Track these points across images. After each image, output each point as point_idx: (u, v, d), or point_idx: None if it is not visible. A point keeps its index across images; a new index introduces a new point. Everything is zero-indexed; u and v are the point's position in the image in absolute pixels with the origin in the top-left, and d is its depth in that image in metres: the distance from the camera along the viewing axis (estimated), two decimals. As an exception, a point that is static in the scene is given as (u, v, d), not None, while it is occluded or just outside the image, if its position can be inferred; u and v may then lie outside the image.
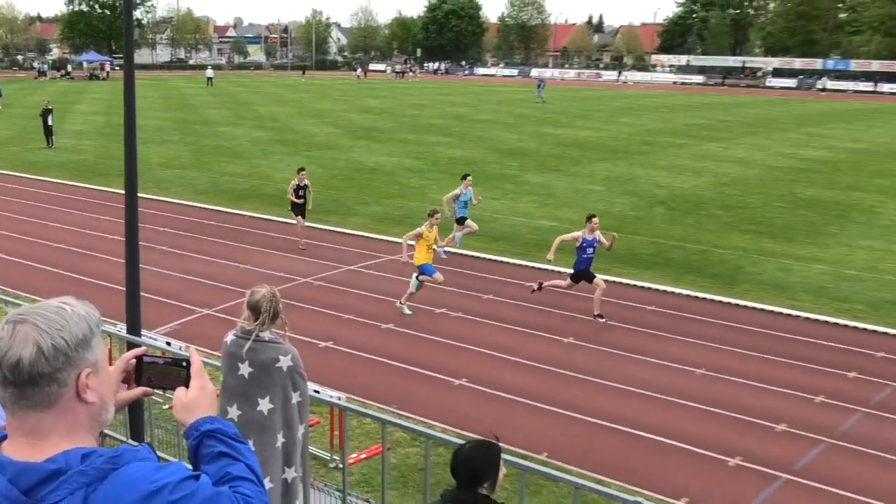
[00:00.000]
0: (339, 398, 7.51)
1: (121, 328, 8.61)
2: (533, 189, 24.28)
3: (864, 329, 13.14)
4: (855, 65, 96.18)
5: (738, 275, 15.93)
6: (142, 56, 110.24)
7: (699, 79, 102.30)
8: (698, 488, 8.22)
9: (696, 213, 21.53)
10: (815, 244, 18.49)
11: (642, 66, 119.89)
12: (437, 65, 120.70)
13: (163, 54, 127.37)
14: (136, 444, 2.62)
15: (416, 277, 13.14)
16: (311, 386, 6.74)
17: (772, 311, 13.83)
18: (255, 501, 1.92)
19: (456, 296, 13.50)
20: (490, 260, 16.46)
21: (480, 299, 13.99)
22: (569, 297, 14.14)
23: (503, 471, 4.01)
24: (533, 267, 15.87)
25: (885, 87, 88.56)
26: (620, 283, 15.05)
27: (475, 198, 17.07)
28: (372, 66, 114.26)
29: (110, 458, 1.79)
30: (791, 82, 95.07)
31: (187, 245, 17.06)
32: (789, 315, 13.70)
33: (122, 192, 8.00)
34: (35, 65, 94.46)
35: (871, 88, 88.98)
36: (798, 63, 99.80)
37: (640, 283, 14.94)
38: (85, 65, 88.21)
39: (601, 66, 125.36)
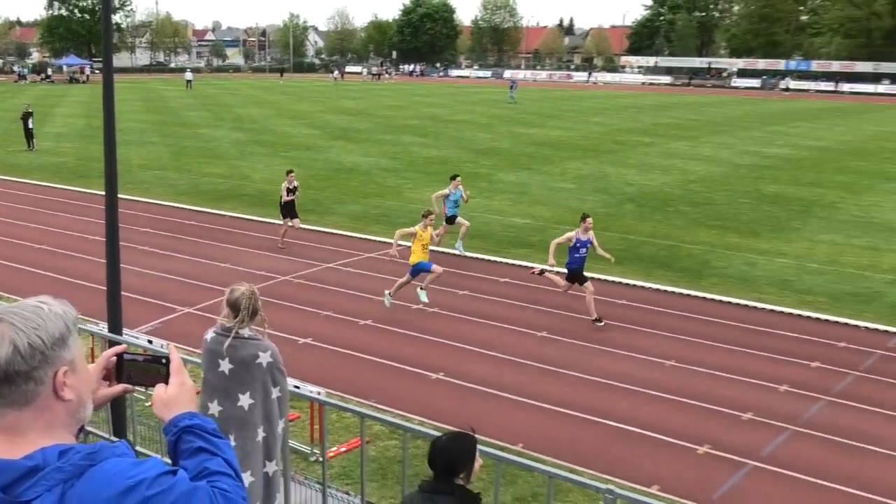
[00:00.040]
0: (319, 393, 7.49)
1: (103, 327, 8.54)
2: (506, 187, 24.32)
3: (826, 320, 13.28)
4: (816, 65, 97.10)
5: (705, 269, 16.05)
6: (121, 59, 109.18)
7: (667, 79, 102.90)
8: (669, 476, 8.27)
9: (664, 209, 21.66)
10: (779, 239, 18.66)
11: (612, 67, 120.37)
12: (412, 67, 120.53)
13: (142, 58, 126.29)
14: (116, 440, 2.60)
15: (409, 274, 13.06)
16: (292, 381, 6.71)
17: (738, 304, 13.95)
18: (233, 496, 1.90)
19: (433, 292, 13.49)
20: (465, 257, 16.46)
21: (457, 295, 14.00)
22: (541, 292, 14.18)
23: (479, 461, 4.02)
24: (507, 263, 15.90)
25: (846, 87, 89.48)
26: (592, 278, 15.09)
27: (465, 193, 16.93)
28: (348, 69, 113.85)
29: (87, 454, 1.77)
30: (755, 82, 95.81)
31: (168, 245, 16.94)
32: (755, 307, 13.82)
33: (103, 193, 7.93)
34: (15, 69, 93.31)
35: (832, 88, 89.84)
36: (762, 64, 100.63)
37: (610, 278, 15.00)
38: (65, 68, 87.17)
39: (572, 67, 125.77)
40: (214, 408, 5.22)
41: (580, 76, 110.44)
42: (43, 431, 1.80)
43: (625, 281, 15.01)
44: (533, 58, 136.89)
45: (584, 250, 12.73)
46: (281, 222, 17.05)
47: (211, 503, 1.83)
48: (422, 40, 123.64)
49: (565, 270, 13.00)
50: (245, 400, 5.19)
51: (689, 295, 14.36)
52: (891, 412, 9.91)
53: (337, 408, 7.08)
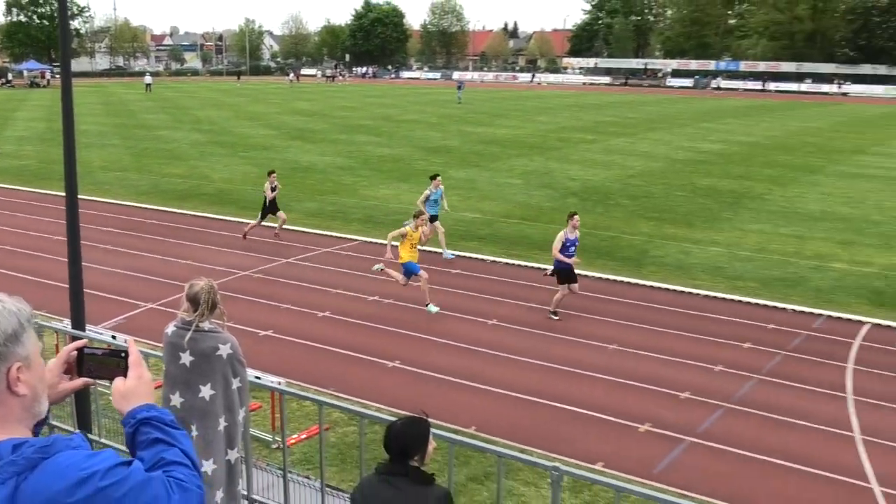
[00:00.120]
0: (279, 383, 7.43)
1: (67, 324, 8.35)
2: (457, 183, 24.31)
3: (756, 304, 13.52)
4: (744, 66, 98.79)
5: (644, 258, 16.24)
6: (81, 64, 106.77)
7: (606, 80, 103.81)
8: (612, 453, 8.36)
9: (605, 202, 21.86)
10: (712, 229, 18.96)
11: (554, 68, 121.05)
12: (364, 69, 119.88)
13: (102, 62, 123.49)
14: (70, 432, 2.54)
15: (403, 275, 12.86)
16: (253, 372, 6.64)
17: (675, 290, 14.14)
18: (188, 485, 1.86)
19: (388, 284, 13.45)
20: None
21: (410, 286, 13.96)
22: (489, 282, 14.23)
23: (433, 444, 4.02)
24: (458, 256, 15.91)
25: (772, 86, 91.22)
26: (539, 268, 15.21)
27: (444, 203, 16.35)
28: (304, 72, 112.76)
29: (41, 447, 1.72)
30: (688, 82, 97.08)
31: (130, 243, 16.63)
32: (690, 293, 14.03)
33: (64, 194, 7.74)
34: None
35: (759, 87, 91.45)
36: (694, 64, 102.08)
37: (556, 268, 15.07)
38: (25, 73, 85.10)
39: (517, 68, 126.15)
40: (176, 399, 5.14)
41: (524, 77, 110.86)
42: None
43: (569, 270, 15.10)
44: (480, 60, 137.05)
45: (574, 248, 12.45)
46: (253, 221, 17.07)
47: (166, 492, 1.79)
48: (373, 44, 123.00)
49: (550, 268, 12.81)
50: (206, 391, 5.12)
51: (629, 282, 14.52)
52: (816, 388, 10.14)
53: (296, 397, 7.02)
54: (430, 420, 4.08)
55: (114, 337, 8.79)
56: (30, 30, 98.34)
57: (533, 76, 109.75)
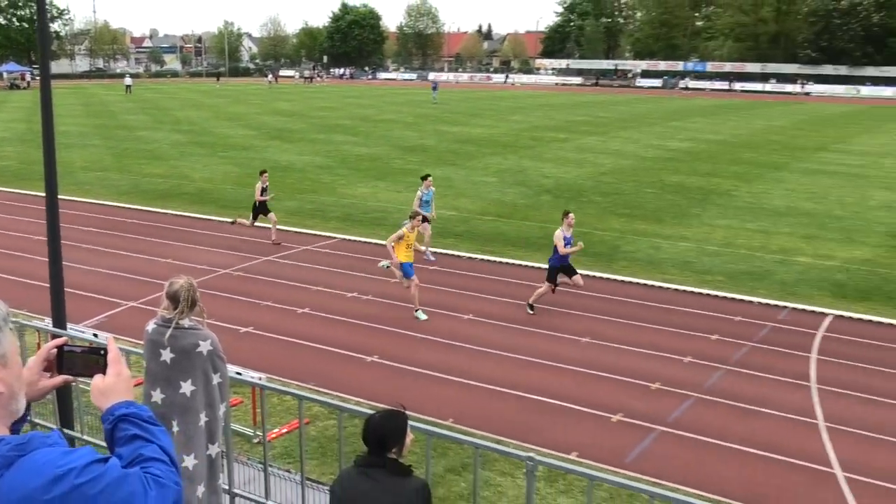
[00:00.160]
0: (260, 378, 7.37)
1: (48, 322, 8.25)
2: (433, 181, 24.24)
3: (724, 297, 13.64)
4: (711, 66, 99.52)
5: (615, 253, 16.32)
6: (61, 66, 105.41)
7: (578, 80, 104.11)
8: (586, 442, 8.40)
9: (578, 199, 21.93)
10: (681, 224, 19.09)
11: (528, 69, 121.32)
12: (342, 70, 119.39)
13: (82, 64, 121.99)
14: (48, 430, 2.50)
15: (404, 277, 12.72)
16: (234, 368, 6.60)
17: (645, 284, 14.23)
18: (166, 481, 1.84)
19: (366, 280, 13.42)
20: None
21: (388, 283, 13.93)
22: (465, 278, 14.23)
23: (410, 436, 4.01)
24: (434, 252, 15.90)
25: (738, 86, 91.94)
26: (514, 264, 15.25)
27: (432, 212, 16.30)
28: (282, 73, 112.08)
29: (17, 445, 1.70)
30: (657, 82, 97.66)
31: (111, 243, 16.46)
32: (660, 287, 14.12)
33: (44, 193, 7.64)
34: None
35: (726, 87, 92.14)
36: (663, 65, 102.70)
37: (531, 264, 15.13)
38: (5, 75, 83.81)
39: (491, 69, 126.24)
40: (157, 395, 5.09)
41: (499, 78, 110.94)
42: None
43: (544, 266, 15.12)
44: (455, 61, 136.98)
45: (569, 246, 12.52)
46: (243, 220, 17.01)
47: (143, 489, 1.77)
48: (351, 45, 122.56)
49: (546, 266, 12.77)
50: (187, 387, 5.08)
51: (601, 277, 14.59)
52: (781, 378, 10.25)
53: (277, 392, 6.99)
54: (407, 413, 4.07)
55: (95, 335, 8.69)
56: (9, 32, 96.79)
57: (507, 77, 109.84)
